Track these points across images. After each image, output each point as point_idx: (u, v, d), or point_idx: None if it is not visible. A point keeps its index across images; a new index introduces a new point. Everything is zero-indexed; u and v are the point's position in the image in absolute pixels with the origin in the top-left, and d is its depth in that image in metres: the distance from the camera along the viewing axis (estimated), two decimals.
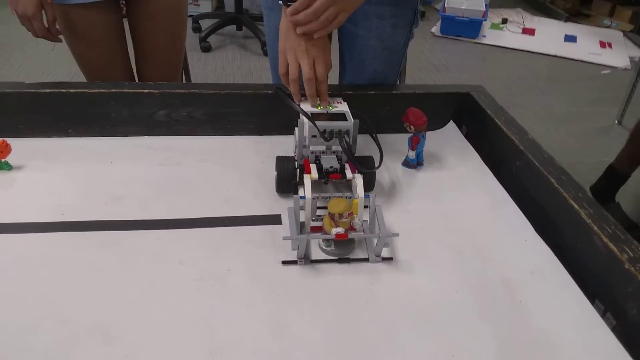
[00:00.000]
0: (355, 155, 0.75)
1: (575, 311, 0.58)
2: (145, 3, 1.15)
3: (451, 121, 0.98)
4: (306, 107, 0.76)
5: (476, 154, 0.90)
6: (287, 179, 0.74)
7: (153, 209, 0.73)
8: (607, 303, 0.58)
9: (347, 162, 0.73)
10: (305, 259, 0.64)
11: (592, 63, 3.21)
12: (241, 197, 0.77)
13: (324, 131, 0.71)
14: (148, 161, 0.83)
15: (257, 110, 0.91)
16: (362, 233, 0.67)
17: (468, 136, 0.94)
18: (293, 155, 0.78)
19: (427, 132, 0.85)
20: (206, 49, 2.94)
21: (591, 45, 3.45)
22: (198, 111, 0.90)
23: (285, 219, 0.71)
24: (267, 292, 0.60)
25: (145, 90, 0.87)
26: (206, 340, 0.54)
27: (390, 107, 0.94)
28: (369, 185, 0.76)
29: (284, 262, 0.64)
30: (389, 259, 0.66)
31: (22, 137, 0.86)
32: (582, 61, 3.22)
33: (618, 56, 3.32)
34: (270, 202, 0.76)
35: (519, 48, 3.35)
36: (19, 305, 0.57)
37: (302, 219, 0.68)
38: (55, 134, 0.87)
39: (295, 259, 0.64)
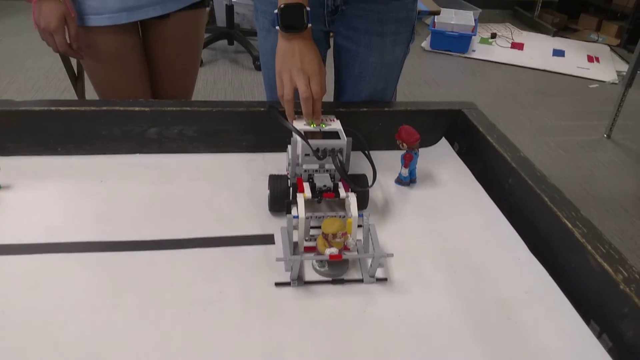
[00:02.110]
0: (349, 173, 0.74)
1: (571, 332, 0.58)
2: (161, 27, 1.13)
3: (443, 138, 0.98)
4: (299, 125, 0.76)
5: (469, 171, 0.90)
6: (280, 197, 0.73)
7: (144, 229, 0.72)
8: (603, 324, 0.57)
9: (340, 181, 0.73)
10: (299, 281, 0.63)
11: (581, 77, 3.25)
12: (234, 216, 0.76)
13: (317, 150, 0.70)
14: (139, 180, 0.82)
15: (249, 128, 0.91)
16: (356, 253, 0.67)
17: (460, 153, 0.95)
18: (286, 173, 0.77)
19: (419, 149, 0.85)
20: None
21: (579, 59, 3.50)
22: (190, 129, 0.89)
23: (278, 237, 0.71)
24: (260, 316, 0.59)
25: (137, 108, 0.87)
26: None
27: (382, 124, 0.94)
28: (362, 204, 0.76)
29: (277, 284, 0.63)
30: (384, 279, 0.65)
31: (10, 155, 0.85)
32: (570, 75, 3.26)
33: (606, 70, 3.37)
34: (263, 221, 0.75)
35: (508, 62, 3.39)
36: (5, 330, 0.55)
37: (295, 238, 0.67)
38: (45, 152, 0.86)
39: (289, 280, 0.63)
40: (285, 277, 0.64)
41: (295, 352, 0.55)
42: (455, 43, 3.42)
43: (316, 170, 0.73)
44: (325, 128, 0.76)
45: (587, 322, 0.58)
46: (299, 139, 0.71)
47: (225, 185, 0.83)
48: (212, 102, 0.91)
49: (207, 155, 0.90)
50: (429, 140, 0.97)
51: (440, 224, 0.77)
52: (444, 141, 0.98)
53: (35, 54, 2.79)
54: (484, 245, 0.72)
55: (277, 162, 0.88)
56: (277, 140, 0.87)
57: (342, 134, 0.74)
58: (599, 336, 0.57)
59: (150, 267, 0.65)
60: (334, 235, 0.61)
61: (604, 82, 3.20)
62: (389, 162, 0.89)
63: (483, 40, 3.67)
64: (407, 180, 0.87)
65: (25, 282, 0.61)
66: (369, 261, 0.65)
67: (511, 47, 3.61)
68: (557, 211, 0.67)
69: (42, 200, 0.76)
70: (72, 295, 0.60)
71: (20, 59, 2.77)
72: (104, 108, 0.86)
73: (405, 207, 0.81)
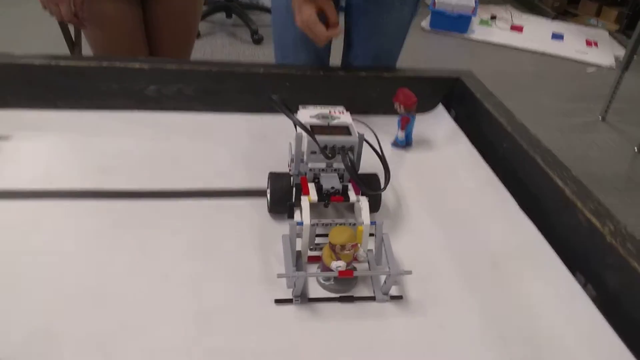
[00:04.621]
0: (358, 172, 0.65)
1: (557, 283, 0.60)
2: (161, 2, 1.16)
3: (440, 104, 0.99)
4: (304, 117, 0.66)
5: (465, 136, 0.91)
6: (282, 198, 0.66)
7: (143, 181, 0.72)
8: (588, 275, 0.59)
9: (349, 182, 0.65)
10: (302, 298, 0.56)
11: (579, 61, 3.26)
12: (231, 171, 0.77)
13: (325, 147, 0.62)
14: (138, 135, 0.83)
15: (248, 88, 0.91)
16: (368, 270, 0.60)
17: (457, 119, 0.96)
18: (288, 170, 0.70)
19: (416, 115, 0.86)
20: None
21: (578, 43, 3.50)
22: (189, 87, 0.89)
23: (278, 248, 0.62)
24: (257, 339, 0.52)
25: (137, 65, 0.87)
26: (194, 304, 0.54)
27: (381, 89, 0.95)
28: (374, 207, 0.68)
29: (278, 302, 0.55)
30: (399, 297, 0.58)
31: (9, 108, 0.85)
32: (568, 59, 3.27)
33: (604, 55, 3.37)
34: (259, 177, 0.76)
35: (507, 44, 3.39)
36: (7, 269, 0.56)
37: (298, 246, 0.60)
38: (44, 106, 0.86)
39: (291, 297, 0.56)
40: (287, 292, 0.56)
41: None
42: (455, 23, 3.41)
43: (323, 170, 0.65)
44: (334, 122, 0.66)
45: (573, 273, 0.60)
46: (304, 133, 0.62)
47: (223, 143, 0.83)
48: (212, 62, 0.92)
49: (205, 115, 0.91)
50: (426, 107, 0.98)
51: (435, 186, 0.79)
52: (441, 107, 0.99)
53: (30, 24, 2.76)
54: (477, 206, 0.74)
55: (276, 125, 0.88)
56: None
57: (354, 129, 0.66)
58: (584, 286, 0.58)
59: (149, 215, 0.66)
60: (343, 247, 0.54)
61: (601, 66, 3.20)
62: (385, 126, 0.90)
63: (483, 22, 3.66)
64: (404, 143, 0.88)
65: (24, 226, 0.62)
66: (383, 277, 0.58)
67: (510, 30, 3.61)
68: (550, 172, 0.69)
69: (40, 150, 0.77)
70: (72, 237, 0.62)
71: (14, 29, 2.74)
72: (104, 64, 0.87)
73: (401, 169, 0.83)
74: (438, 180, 0.80)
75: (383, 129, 0.90)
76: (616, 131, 2.49)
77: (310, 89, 0.93)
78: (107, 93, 0.88)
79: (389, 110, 0.88)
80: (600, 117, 2.58)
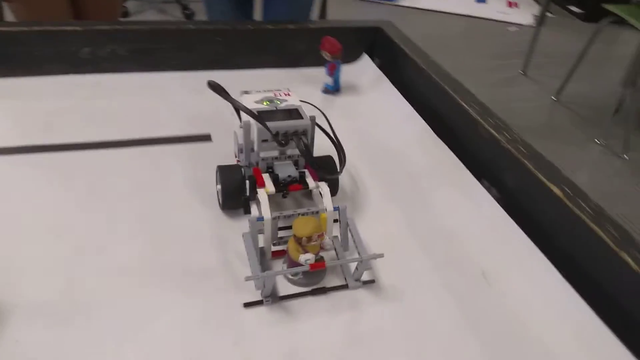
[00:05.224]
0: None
1: (468, 189, 0.69)
2: None
3: (364, 53, 1.06)
4: (249, 103, 0.61)
5: (387, 80, 0.99)
6: (235, 193, 0.60)
7: (86, 135, 0.76)
8: (492, 180, 0.69)
9: (306, 168, 0.61)
10: (273, 297, 0.52)
11: (501, 21, 3.44)
12: (171, 122, 0.81)
13: (277, 133, 0.58)
14: (75, 96, 0.86)
15: (182, 46, 0.95)
16: (337, 258, 0.57)
17: (381, 66, 1.04)
18: (236, 161, 0.66)
19: (344, 65, 0.94)
20: (124, 14, 2.86)
21: (499, 5, 3.68)
22: (122, 48, 0.92)
23: (237, 246, 0.58)
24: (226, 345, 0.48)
25: (69, 28, 0.89)
26: (147, 229, 0.60)
27: (308, 41, 1.02)
28: (332, 191, 0.64)
29: (247, 305, 0.52)
30: (371, 282, 0.56)
31: None
32: (491, 20, 3.45)
33: (524, 15, 3.57)
34: (200, 124, 0.81)
35: (435, 9, 3.52)
36: None
37: (260, 243, 0.56)
38: None
39: (260, 298, 0.52)
40: (255, 294, 0.53)
41: None
42: None
43: (276, 158, 0.61)
44: (282, 105, 0.62)
45: (480, 180, 0.69)
46: (252, 121, 0.58)
47: (161, 100, 0.87)
48: (144, 22, 0.95)
49: (141, 74, 0.94)
50: (352, 57, 1.05)
51: (363, 125, 0.86)
52: (365, 57, 1.06)
53: None
54: (401, 138, 0.82)
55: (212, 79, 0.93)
56: (210, 58, 0.92)
57: (303, 112, 0.61)
58: (489, 190, 0.68)
59: (96, 163, 0.70)
60: (309, 238, 0.51)
61: (522, 25, 3.40)
62: (317, 77, 0.97)
63: None
64: (333, 89, 0.95)
65: None
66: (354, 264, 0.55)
67: None
68: (457, 97, 0.78)
69: None
70: (23, 187, 0.65)
71: None
72: (35, 28, 0.88)
73: (333, 113, 0.90)
74: (370, 125, 0.87)
75: (313, 80, 0.97)
76: (536, 84, 2.67)
77: (241, 43, 0.98)
78: (41, 58, 0.89)
79: (318, 61, 0.94)
80: (520, 71, 2.75)
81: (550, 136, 2.18)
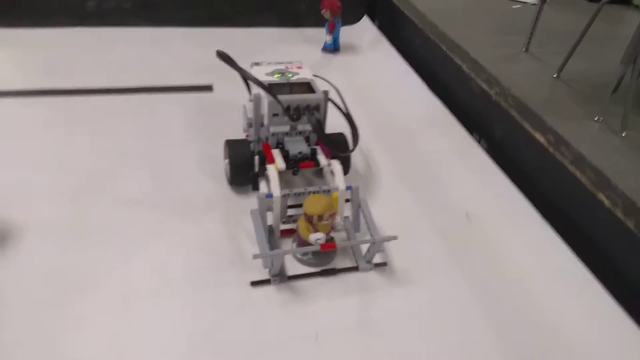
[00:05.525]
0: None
1: (456, 139, 0.72)
2: None
3: (365, 16, 1.08)
4: (259, 75, 0.57)
5: (386, 40, 1.01)
6: (243, 169, 0.58)
7: (91, 82, 0.79)
8: (481, 132, 0.72)
9: (317, 145, 0.59)
10: (281, 277, 0.50)
11: None
12: (174, 72, 0.84)
13: (288, 108, 0.55)
14: (80, 47, 0.88)
15: (185, 3, 0.97)
16: (347, 239, 0.55)
17: (380, 27, 1.06)
18: (245, 136, 0.63)
19: (345, 26, 0.96)
20: None
21: None
22: (127, 2, 0.94)
23: (245, 222, 0.55)
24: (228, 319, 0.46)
25: None
26: (149, 166, 0.63)
27: (310, 2, 1.03)
28: (344, 170, 0.59)
29: (254, 283, 0.49)
30: (383, 264, 0.53)
31: None
32: None
33: None
34: (201, 74, 0.83)
35: None
36: None
37: (268, 221, 0.54)
38: None
39: (268, 277, 0.50)
40: (263, 272, 0.50)
41: None
42: None
43: (287, 133, 0.58)
44: (294, 78, 0.59)
45: (471, 133, 0.72)
46: (263, 93, 0.55)
47: (164, 53, 0.90)
48: None
49: (145, 29, 0.96)
50: (353, 18, 1.07)
51: (361, 83, 0.89)
52: (366, 19, 1.08)
53: None
54: (396, 94, 0.85)
55: (215, 36, 0.95)
56: (214, 15, 0.94)
57: (316, 85, 0.58)
58: (478, 142, 0.71)
59: (102, 107, 0.73)
60: (320, 217, 0.48)
61: (526, 2, 3.38)
62: (317, 37, 1.00)
63: None
64: (332, 47, 0.97)
65: None
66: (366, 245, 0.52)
67: None
68: (451, 54, 0.80)
69: None
70: (34, 126, 0.68)
71: None
72: None
73: (330, 70, 0.92)
74: (367, 83, 0.89)
75: (314, 39, 0.99)
76: (538, 61, 2.67)
77: (243, 1, 1.00)
78: (48, 10, 0.92)
79: (318, 22, 0.97)
80: (523, 48, 2.76)
81: (549, 113, 2.19)
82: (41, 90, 0.75)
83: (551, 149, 0.59)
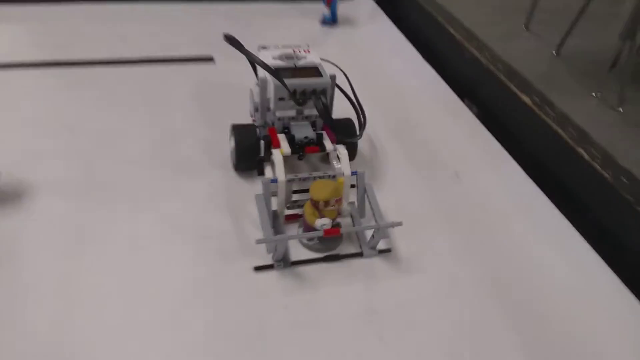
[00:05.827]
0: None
1: (442, 101, 0.75)
2: None
3: None
4: (266, 59, 0.56)
5: (385, 15, 1.04)
6: (249, 153, 0.58)
7: (99, 54, 0.82)
8: (473, 99, 0.75)
9: (323, 129, 0.58)
10: (285, 262, 0.50)
11: None
12: (178, 43, 0.87)
13: (295, 92, 0.55)
14: (88, 22, 0.92)
15: None
16: (352, 225, 0.54)
17: (379, 2, 1.08)
18: (252, 121, 0.63)
19: (344, 1, 0.98)
20: None
21: None
22: None
23: (249, 208, 0.55)
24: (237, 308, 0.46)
25: None
26: (153, 132, 0.66)
27: None
28: (350, 156, 0.58)
29: (257, 268, 0.49)
30: (387, 250, 0.52)
31: None
32: None
33: None
34: (204, 46, 0.86)
35: None
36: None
37: (273, 206, 0.54)
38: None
39: (272, 262, 0.49)
40: (266, 257, 0.49)
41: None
42: None
43: (293, 118, 0.57)
44: (301, 62, 0.58)
45: (463, 100, 0.75)
46: (269, 77, 0.54)
47: (167, 26, 0.93)
48: None
49: (148, 4, 0.99)
50: None
51: (358, 54, 0.91)
52: None
53: None
54: (394, 65, 0.88)
55: (216, 11, 0.98)
56: None
57: (324, 70, 0.57)
58: (470, 108, 0.74)
59: (107, 77, 0.77)
60: (327, 203, 0.48)
61: None
62: (315, 11, 1.02)
63: None
64: (330, 20, 1.00)
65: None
66: (371, 231, 0.52)
67: None
68: (444, 23, 0.83)
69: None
70: (43, 95, 0.72)
71: None
72: None
73: (328, 42, 0.95)
74: (364, 55, 0.90)
75: (312, 12, 1.02)
76: (538, 38, 2.68)
77: None
78: None
79: None
80: (524, 26, 2.77)
81: (547, 88, 2.21)
82: (51, 61, 0.79)
83: (536, 109, 0.63)
